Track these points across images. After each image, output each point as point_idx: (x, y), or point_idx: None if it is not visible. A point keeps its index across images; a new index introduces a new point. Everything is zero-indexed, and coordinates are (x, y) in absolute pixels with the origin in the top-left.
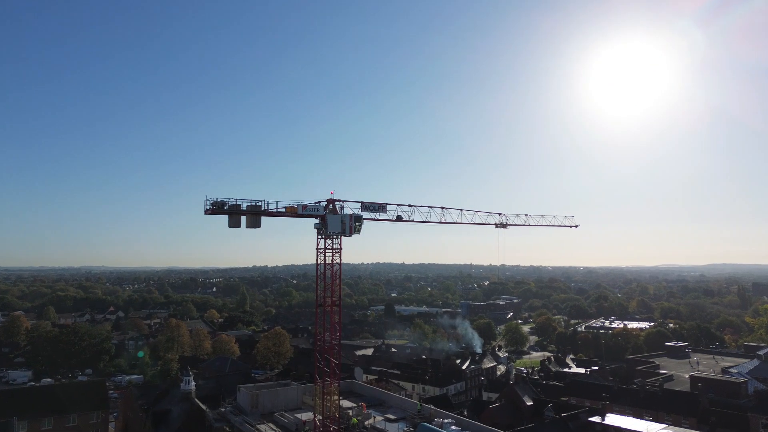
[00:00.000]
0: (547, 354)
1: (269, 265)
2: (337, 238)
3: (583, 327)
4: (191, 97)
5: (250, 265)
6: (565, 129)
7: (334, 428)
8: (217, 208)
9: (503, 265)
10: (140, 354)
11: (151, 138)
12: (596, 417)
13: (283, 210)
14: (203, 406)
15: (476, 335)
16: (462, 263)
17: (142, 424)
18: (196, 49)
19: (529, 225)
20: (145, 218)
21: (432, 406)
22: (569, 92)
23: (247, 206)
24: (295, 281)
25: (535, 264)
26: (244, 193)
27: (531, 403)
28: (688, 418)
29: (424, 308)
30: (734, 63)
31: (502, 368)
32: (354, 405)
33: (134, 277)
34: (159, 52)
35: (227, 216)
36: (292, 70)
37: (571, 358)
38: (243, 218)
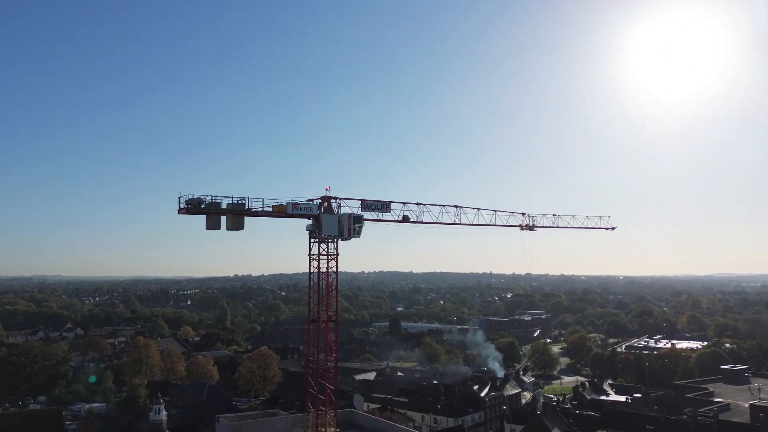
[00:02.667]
0: (581, 379)
1: (253, 274)
2: (333, 241)
3: (623, 347)
4: (160, 78)
5: (231, 274)
6: (601, 114)
7: None
8: (192, 206)
9: (529, 274)
10: (92, 379)
11: (113, 126)
12: None
13: (270, 209)
14: None
15: (497, 356)
16: (480, 272)
17: None
18: (164, 22)
19: (559, 227)
20: (108, 219)
21: None
22: (606, 71)
23: (228, 204)
24: (283, 293)
25: (567, 273)
26: (224, 190)
27: None
28: None
29: (436, 325)
30: None
31: (527, 395)
32: None
33: (95, 288)
34: (119, 25)
35: (204, 216)
36: (277, 46)
37: (610, 384)
38: (223, 219)
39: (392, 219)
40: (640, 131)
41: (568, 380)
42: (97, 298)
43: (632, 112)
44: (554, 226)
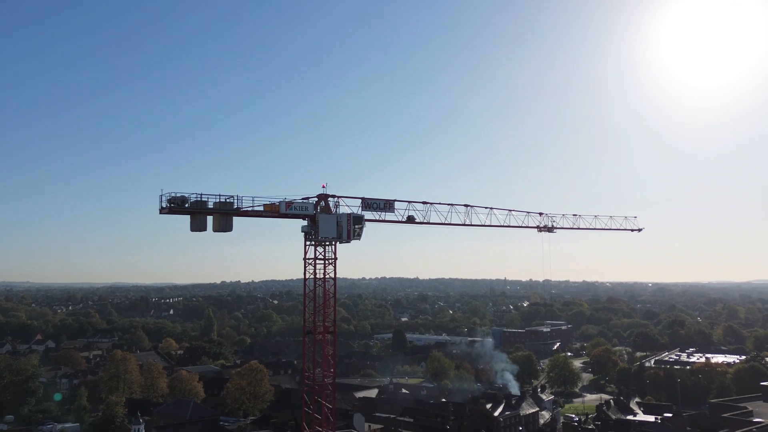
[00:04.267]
0: (605, 397)
1: (243, 281)
2: (331, 244)
3: (652, 361)
4: (141, 64)
5: (218, 281)
6: (627, 104)
7: None
8: (176, 206)
9: (547, 281)
10: (58, 396)
11: (87, 116)
12: None
13: (261, 209)
14: None
15: (512, 371)
16: (493, 278)
17: None
18: (145, 5)
19: (580, 228)
20: (82, 220)
21: None
22: (633, 56)
23: (215, 204)
24: (276, 302)
25: (589, 279)
26: (210, 187)
27: None
28: None
29: (444, 337)
30: None
31: (546, 415)
32: None
33: (68, 295)
34: (95, 8)
35: (189, 216)
36: (269, 29)
37: (637, 402)
38: (209, 219)
39: (396, 219)
40: (670, 123)
41: (591, 398)
42: (70, 307)
43: (662, 102)
44: (575, 227)
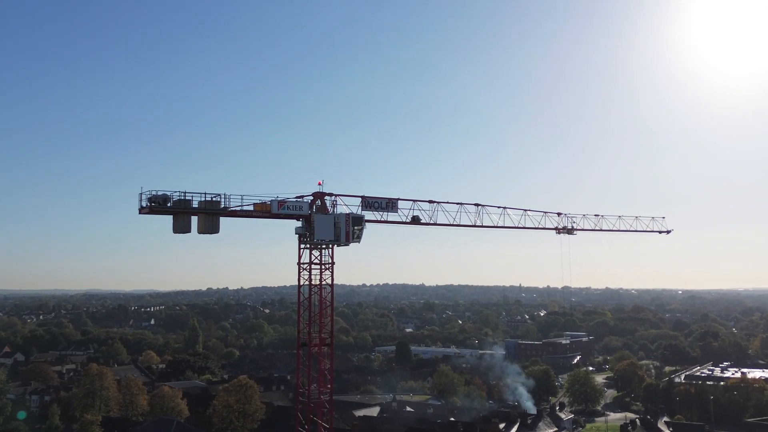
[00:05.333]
0: (631, 415)
1: (231, 288)
2: (327, 247)
3: (682, 377)
4: (117, 46)
5: (204, 288)
6: (655, 94)
7: None
8: (157, 205)
9: (567, 288)
10: (21, 415)
11: (58, 106)
12: None
13: (251, 208)
14: None
15: (528, 387)
16: (507, 285)
17: None
18: None
19: (602, 230)
20: (54, 221)
21: None
22: (662, 41)
23: (200, 203)
24: (267, 310)
25: (613, 286)
26: (195, 185)
27: None
28: None
29: (453, 349)
30: None
31: None
32: None
33: (39, 304)
34: None
35: (171, 217)
36: (260, 10)
37: (666, 422)
38: (194, 220)
39: (399, 220)
40: (702, 115)
41: (615, 417)
42: (41, 317)
43: (693, 92)
44: (597, 228)
